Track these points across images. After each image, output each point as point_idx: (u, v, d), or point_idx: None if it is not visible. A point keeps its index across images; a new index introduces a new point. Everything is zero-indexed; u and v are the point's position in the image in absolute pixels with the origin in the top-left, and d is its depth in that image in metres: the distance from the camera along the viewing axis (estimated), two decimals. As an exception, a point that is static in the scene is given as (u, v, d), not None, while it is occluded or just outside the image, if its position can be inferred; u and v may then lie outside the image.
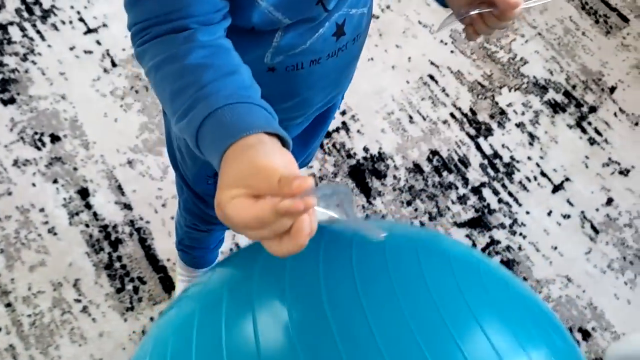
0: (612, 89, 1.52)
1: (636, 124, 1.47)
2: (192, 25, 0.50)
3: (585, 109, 1.47)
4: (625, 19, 1.64)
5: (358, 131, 1.38)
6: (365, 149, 1.36)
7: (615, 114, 1.47)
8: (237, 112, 0.46)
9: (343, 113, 1.40)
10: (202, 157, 0.48)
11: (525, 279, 1.24)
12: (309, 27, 0.61)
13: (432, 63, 1.50)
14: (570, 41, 1.58)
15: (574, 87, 1.51)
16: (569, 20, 1.62)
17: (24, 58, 1.38)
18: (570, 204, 1.34)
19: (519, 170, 1.37)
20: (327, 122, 0.87)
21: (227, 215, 0.40)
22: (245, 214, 0.39)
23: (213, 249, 1.06)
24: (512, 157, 1.39)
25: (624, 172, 1.39)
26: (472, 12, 0.61)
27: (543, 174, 1.37)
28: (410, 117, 1.41)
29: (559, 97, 1.49)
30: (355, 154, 1.35)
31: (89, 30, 1.42)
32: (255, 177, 0.40)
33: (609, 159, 1.41)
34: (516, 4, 0.58)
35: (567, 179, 1.37)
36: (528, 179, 1.36)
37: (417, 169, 1.35)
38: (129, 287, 1.16)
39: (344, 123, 1.38)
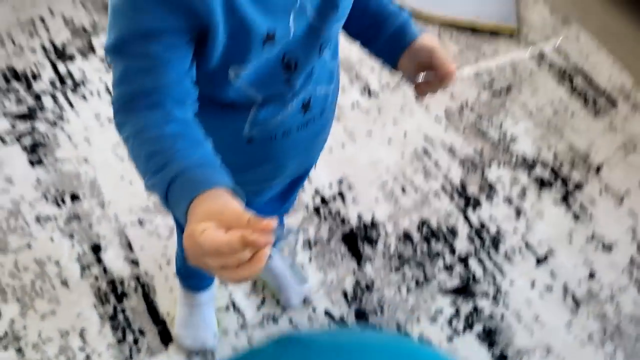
0: (599, 168, 1.60)
1: (620, 201, 1.54)
2: (169, 103, 0.61)
3: (571, 185, 1.55)
4: (614, 103, 1.75)
5: (353, 199, 1.48)
6: (359, 217, 1.45)
7: (600, 192, 1.55)
8: (206, 172, 0.56)
9: (340, 182, 1.50)
10: (166, 208, 0.59)
11: (506, 347, 1.29)
12: (280, 103, 0.73)
13: (426, 138, 1.61)
14: (559, 121, 1.69)
15: (561, 164, 1.60)
16: (558, 102, 1.73)
17: (54, 124, 1.53)
18: (553, 276, 1.40)
19: (504, 242, 1.44)
20: (302, 182, 1.00)
21: (198, 242, 0.48)
22: (218, 240, 0.48)
23: (209, 276, 1.16)
24: (498, 229, 1.46)
25: (607, 248, 1.45)
26: (418, 75, 0.74)
27: (528, 246, 1.44)
28: (403, 188, 1.51)
29: (546, 174, 1.57)
30: (349, 221, 1.44)
31: (114, 101, 1.58)
32: (226, 215, 0.50)
33: (593, 234, 1.47)
34: (452, 73, 0.72)
35: (551, 252, 1.43)
36: (513, 250, 1.43)
37: (407, 237, 1.43)
38: (130, 338, 1.24)
39: (340, 192, 1.49)
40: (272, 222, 0.48)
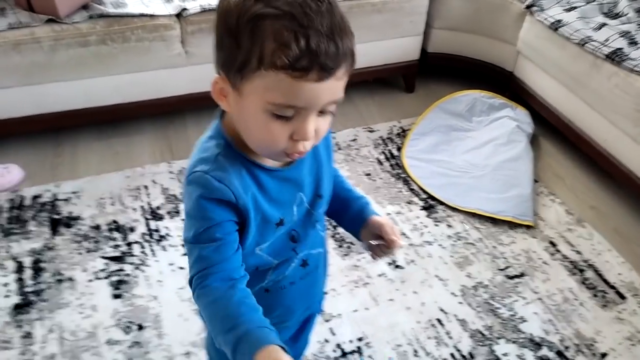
0: (604, 355, 1.72)
1: (622, 388, 1.63)
2: (233, 273, 0.84)
3: (574, 367, 1.68)
4: (623, 297, 1.90)
5: (369, 356, 1.69)
6: (372, 372, 1.65)
7: (602, 376, 1.65)
8: (263, 332, 0.77)
9: (360, 339, 1.73)
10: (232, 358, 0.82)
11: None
12: (287, 264, 1.03)
13: (441, 309, 1.83)
14: (567, 308, 1.86)
15: (566, 347, 1.74)
16: (568, 291, 1.92)
17: (137, 267, 1.92)
18: None
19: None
20: (310, 324, 1.24)
21: None
22: None
23: None
24: (499, 399, 1.59)
25: None
26: (372, 243, 1.02)
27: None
28: (415, 352, 1.70)
29: (552, 355, 1.72)
30: (362, 374, 1.64)
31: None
32: None
33: (592, 415, 1.56)
34: (396, 242, 0.99)
35: None
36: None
37: (413, 395, 1.59)
38: None
39: (358, 347, 1.70)
40: None
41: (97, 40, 2.19)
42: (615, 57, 2.15)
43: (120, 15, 2.23)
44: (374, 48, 2.65)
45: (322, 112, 0.79)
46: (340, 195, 1.07)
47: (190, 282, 0.86)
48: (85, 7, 2.24)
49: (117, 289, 1.85)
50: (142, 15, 2.24)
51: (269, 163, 0.88)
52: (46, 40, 2.14)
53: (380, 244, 1.01)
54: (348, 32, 0.76)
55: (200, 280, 0.84)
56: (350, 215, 1.07)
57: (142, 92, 2.37)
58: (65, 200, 2.17)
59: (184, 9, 2.30)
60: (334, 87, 0.76)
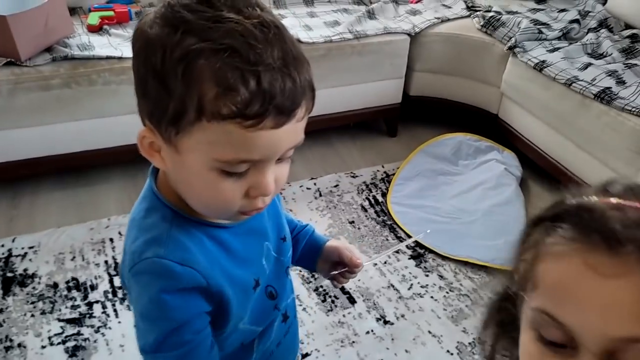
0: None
1: None
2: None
3: None
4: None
5: None
6: None
7: None
8: None
9: (348, 408, 1.53)
10: None
11: None
12: (270, 326, 0.87)
13: (437, 370, 1.65)
14: None
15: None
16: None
17: (97, 330, 1.72)
18: None
19: None
20: None
21: None
22: None
23: None
24: None
25: None
26: (333, 273, 0.92)
27: None
28: (411, 420, 1.52)
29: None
30: None
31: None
32: None
33: None
34: (359, 264, 0.91)
35: None
36: None
37: None
38: None
39: (346, 417, 1.51)
40: None
41: (60, 83, 2.05)
42: (605, 97, 2.08)
43: (86, 57, 2.11)
44: (354, 91, 2.56)
45: (279, 160, 0.65)
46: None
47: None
48: (48, 49, 2.12)
49: (73, 355, 1.64)
50: (109, 57, 2.12)
51: (228, 220, 0.73)
52: (4, 83, 1.99)
53: (341, 271, 0.91)
54: (303, 61, 0.61)
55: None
56: (302, 248, 0.94)
57: (108, 139, 2.22)
58: (21, 256, 1.97)
59: (155, 51, 2.18)
60: (294, 130, 0.62)
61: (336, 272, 0.92)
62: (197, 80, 0.57)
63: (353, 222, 2.20)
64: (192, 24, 0.57)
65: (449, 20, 2.67)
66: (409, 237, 2.12)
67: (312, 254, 0.94)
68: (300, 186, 2.36)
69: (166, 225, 0.68)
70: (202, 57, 0.56)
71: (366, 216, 2.24)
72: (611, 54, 2.38)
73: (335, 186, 2.40)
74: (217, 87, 0.56)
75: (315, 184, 2.40)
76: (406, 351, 1.71)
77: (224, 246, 0.72)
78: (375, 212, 2.26)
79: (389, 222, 2.21)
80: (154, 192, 0.71)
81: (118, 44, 2.21)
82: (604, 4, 2.77)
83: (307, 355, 1.67)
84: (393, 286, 1.93)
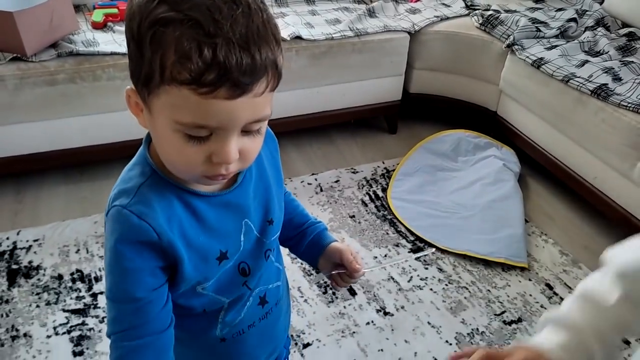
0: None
1: None
2: (153, 334, 0.74)
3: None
4: (627, 342, 1.78)
5: (359, 414, 1.52)
6: None
7: None
8: None
9: (348, 396, 1.56)
10: None
11: None
12: (242, 303, 0.88)
13: (435, 359, 1.68)
14: None
15: (573, 398, 1.59)
16: None
17: (102, 320, 1.75)
18: None
19: None
20: None
21: None
22: None
23: None
24: None
25: None
26: (332, 272, 0.93)
27: None
28: (410, 408, 1.54)
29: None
30: None
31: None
32: None
33: None
34: (359, 270, 0.91)
35: None
36: None
37: None
38: None
39: (347, 405, 1.54)
40: None
41: (65, 79, 2.08)
42: (601, 93, 2.11)
43: (91, 53, 2.14)
44: (354, 88, 2.59)
45: (247, 132, 0.68)
46: (294, 221, 0.96)
47: (108, 336, 0.76)
48: (53, 45, 2.15)
49: (78, 345, 1.67)
50: (113, 53, 2.15)
51: (204, 188, 0.76)
52: (10, 78, 2.02)
53: (340, 272, 0.92)
54: (269, 40, 0.64)
55: (118, 341, 0.75)
56: (307, 242, 0.96)
57: (113, 134, 2.25)
58: (26, 248, 2.00)
59: (158, 48, 2.21)
60: (254, 104, 0.65)
61: (335, 272, 0.93)
62: (162, 45, 0.61)
63: (354, 216, 2.23)
64: None
65: (448, 18, 2.71)
66: (410, 231, 2.15)
67: (315, 251, 0.96)
68: (302, 181, 2.39)
69: (141, 180, 0.73)
70: (170, 26, 0.61)
71: (366, 211, 2.27)
72: (608, 51, 2.41)
73: (336, 181, 2.43)
74: (176, 54, 0.60)
75: (316, 179, 2.43)
76: (406, 341, 1.74)
77: (194, 212, 0.75)
78: (376, 206, 2.29)
79: (389, 217, 2.24)
80: (143, 150, 0.76)
81: (122, 41, 2.24)
82: (601, 3, 2.81)
83: (308, 345, 1.70)
84: (393, 278, 1.95)
